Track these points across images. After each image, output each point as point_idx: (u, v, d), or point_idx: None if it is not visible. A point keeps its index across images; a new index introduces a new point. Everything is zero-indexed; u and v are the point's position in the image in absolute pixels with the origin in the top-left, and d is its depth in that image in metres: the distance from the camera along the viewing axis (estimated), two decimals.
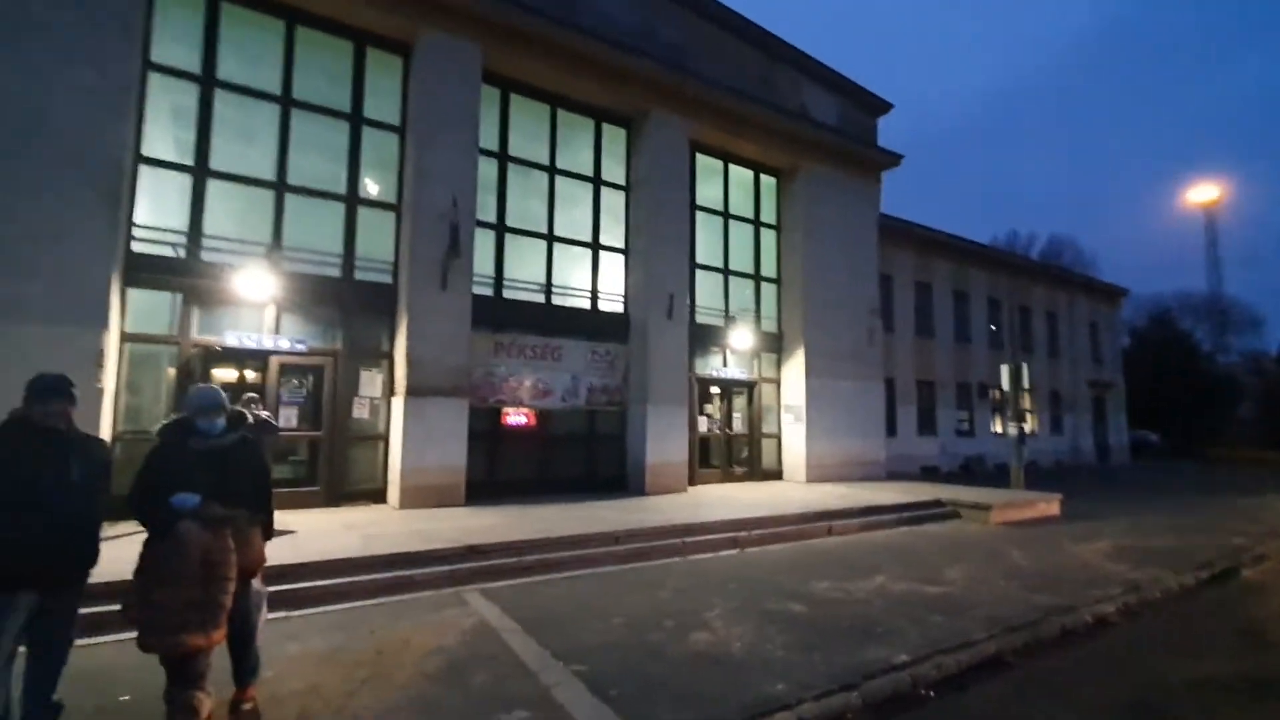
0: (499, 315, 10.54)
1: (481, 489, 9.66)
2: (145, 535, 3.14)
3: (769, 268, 14.34)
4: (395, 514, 8.40)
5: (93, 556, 3.07)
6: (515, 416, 10.61)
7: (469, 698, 3.64)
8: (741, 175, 14.13)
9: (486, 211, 10.67)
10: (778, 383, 14.08)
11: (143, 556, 3.09)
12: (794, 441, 13.63)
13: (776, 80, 13.90)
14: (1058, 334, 25.03)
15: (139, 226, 8.04)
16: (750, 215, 14.20)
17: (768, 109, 13.14)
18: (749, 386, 13.73)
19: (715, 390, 13.29)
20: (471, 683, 3.83)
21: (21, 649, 2.93)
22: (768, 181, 14.48)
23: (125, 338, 7.81)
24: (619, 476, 11.46)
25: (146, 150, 8.14)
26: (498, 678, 3.91)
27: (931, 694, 4.02)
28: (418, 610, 5.23)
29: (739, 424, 13.51)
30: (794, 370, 13.82)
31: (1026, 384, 13.03)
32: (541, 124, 11.52)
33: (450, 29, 9.79)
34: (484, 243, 10.56)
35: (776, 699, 3.68)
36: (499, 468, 10.37)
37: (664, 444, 11.31)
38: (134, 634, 2.99)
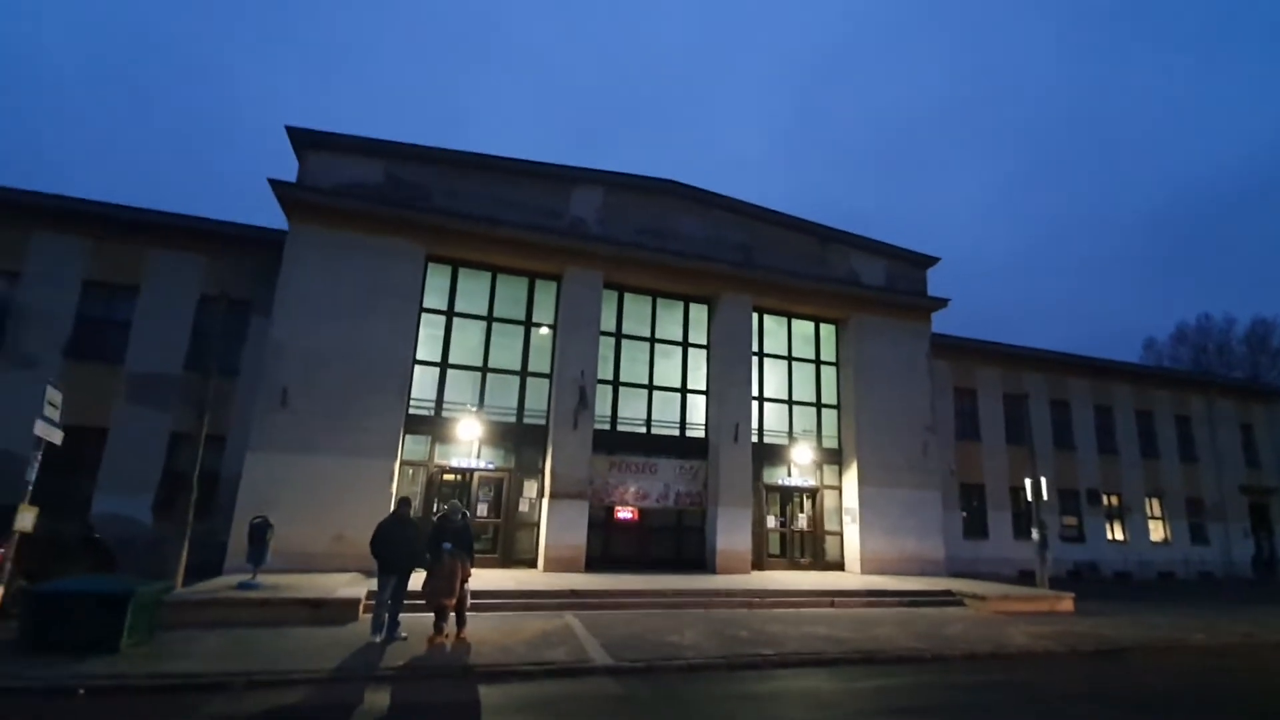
0: (612, 442, 15.65)
1: (598, 561, 14.46)
2: (429, 566, 8.38)
3: (830, 396, 18.08)
4: (540, 574, 13.48)
5: (414, 565, 8.43)
6: (623, 513, 15.42)
7: (546, 643, 8.36)
8: (803, 326, 18.35)
9: (606, 372, 16.09)
10: (839, 489, 17.42)
11: (428, 570, 8.33)
12: (852, 539, 16.75)
13: (828, 255, 18.21)
14: (1192, 438, 24.45)
15: (413, 400, 14.48)
16: (811, 356, 18.25)
17: (818, 280, 17.46)
18: (812, 493, 17.27)
19: (781, 495, 17.04)
20: (550, 641, 8.56)
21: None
22: (826, 328, 18.50)
23: (403, 463, 14.04)
24: (699, 559, 15.62)
25: (419, 356, 14.70)
26: (563, 638, 8.60)
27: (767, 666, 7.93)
28: (536, 618, 10.08)
29: (803, 523, 17.01)
30: (851, 479, 17.13)
31: (1046, 495, 15.06)
32: (644, 309, 16.96)
33: (584, 265, 15.69)
34: (604, 394, 15.92)
35: (682, 656, 7.92)
36: (610, 548, 15.14)
37: (730, 536, 15.35)
38: (424, 603, 8.23)
